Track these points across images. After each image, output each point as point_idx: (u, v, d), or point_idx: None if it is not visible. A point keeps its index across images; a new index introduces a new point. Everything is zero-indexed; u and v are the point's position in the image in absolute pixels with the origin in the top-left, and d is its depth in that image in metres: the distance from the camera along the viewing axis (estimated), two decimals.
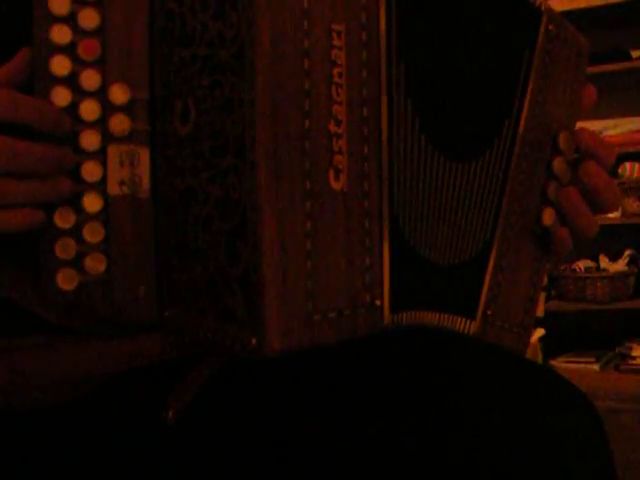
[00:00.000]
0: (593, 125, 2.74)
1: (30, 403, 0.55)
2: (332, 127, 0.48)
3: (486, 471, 0.50)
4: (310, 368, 0.56)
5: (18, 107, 0.48)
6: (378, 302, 0.51)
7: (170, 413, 0.56)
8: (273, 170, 0.45)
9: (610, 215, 2.67)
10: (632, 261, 2.72)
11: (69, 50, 0.50)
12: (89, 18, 0.51)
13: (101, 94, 0.51)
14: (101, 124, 0.51)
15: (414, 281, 0.54)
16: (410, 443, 0.51)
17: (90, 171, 0.51)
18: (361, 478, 0.51)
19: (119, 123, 0.51)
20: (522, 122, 0.61)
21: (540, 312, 2.43)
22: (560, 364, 2.59)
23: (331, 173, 0.48)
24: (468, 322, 0.59)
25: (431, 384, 0.54)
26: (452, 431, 0.51)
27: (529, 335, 0.66)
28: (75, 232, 0.51)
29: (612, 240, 2.72)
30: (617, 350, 2.66)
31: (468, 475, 0.49)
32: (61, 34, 0.50)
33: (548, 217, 0.63)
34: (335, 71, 0.48)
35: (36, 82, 0.50)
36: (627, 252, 2.75)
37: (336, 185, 0.48)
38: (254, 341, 0.45)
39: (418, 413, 0.52)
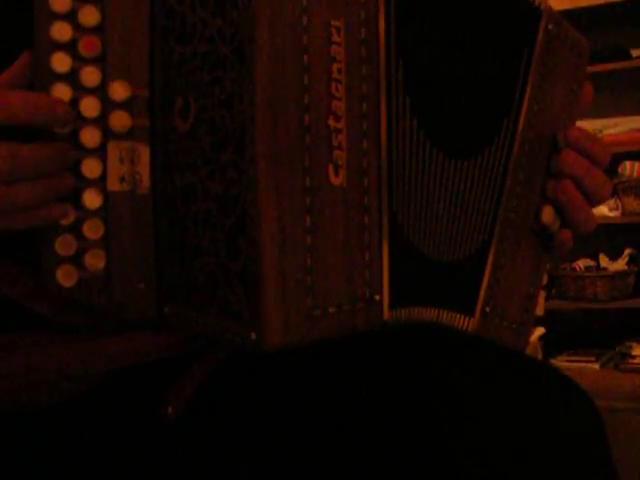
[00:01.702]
0: (593, 124, 2.74)
1: (29, 401, 0.55)
2: (331, 122, 0.48)
3: (486, 466, 0.50)
4: (310, 363, 0.56)
5: (26, 105, 0.47)
6: (377, 297, 0.51)
7: (170, 409, 0.56)
8: (272, 165, 0.45)
9: (610, 214, 2.68)
10: (632, 260, 2.72)
11: (69, 47, 0.50)
12: (89, 15, 0.51)
13: (101, 91, 0.51)
14: (101, 121, 0.51)
15: (413, 277, 0.54)
16: (410, 439, 0.51)
17: (90, 167, 0.51)
18: (361, 474, 0.51)
19: (119, 120, 0.51)
20: (521, 120, 0.61)
21: (540, 311, 2.44)
22: (560, 363, 2.59)
23: (330, 168, 0.48)
24: (467, 319, 0.60)
25: (431, 380, 0.54)
26: (452, 426, 0.51)
27: (528, 333, 0.66)
28: (75, 228, 0.51)
29: (612, 239, 2.72)
30: (617, 349, 2.66)
31: (468, 471, 0.50)
32: (62, 31, 0.50)
33: (547, 215, 0.63)
34: (334, 67, 0.48)
35: (36, 79, 0.50)
36: (627, 251, 2.75)
37: (335, 180, 0.48)
38: (254, 336, 0.45)
39: (418, 409, 0.52)
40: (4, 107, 0.47)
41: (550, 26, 0.62)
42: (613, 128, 2.77)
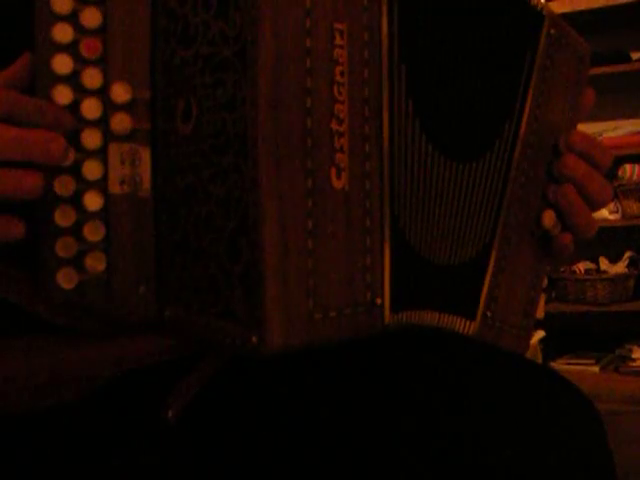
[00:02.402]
0: (593, 127, 2.74)
1: (30, 404, 0.55)
2: (334, 125, 0.48)
3: (486, 470, 0.50)
4: (310, 367, 0.56)
5: (17, 106, 0.48)
6: (379, 301, 0.51)
7: (170, 413, 0.56)
8: (274, 168, 0.45)
9: (610, 217, 2.68)
10: (632, 263, 2.72)
11: (71, 49, 0.50)
12: (91, 17, 0.51)
13: (103, 93, 0.51)
14: (102, 123, 0.51)
15: (414, 281, 0.54)
16: (410, 442, 0.51)
17: (91, 169, 0.51)
18: (361, 476, 0.51)
19: (120, 122, 0.51)
20: (523, 124, 0.61)
21: (540, 314, 2.44)
22: (560, 366, 2.59)
23: (333, 171, 0.48)
24: (468, 322, 0.60)
25: (431, 384, 0.54)
26: (452, 429, 0.51)
27: (529, 337, 0.66)
28: (76, 231, 0.51)
29: (612, 242, 2.72)
30: (617, 352, 2.67)
31: (469, 474, 0.49)
32: (63, 33, 0.50)
33: (548, 219, 0.63)
34: (337, 70, 0.48)
35: (38, 80, 0.50)
36: (627, 254, 2.75)
37: (338, 184, 0.48)
38: (255, 339, 0.45)
39: (418, 413, 0.52)
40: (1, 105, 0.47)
41: (552, 30, 0.62)
42: (613, 131, 2.78)
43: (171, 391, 0.56)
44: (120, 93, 0.51)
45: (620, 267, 2.71)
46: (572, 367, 2.59)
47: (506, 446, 0.51)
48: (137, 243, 0.52)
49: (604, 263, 2.76)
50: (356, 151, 0.49)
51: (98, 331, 0.54)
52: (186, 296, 0.51)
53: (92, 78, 0.51)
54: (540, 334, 2.46)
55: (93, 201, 0.51)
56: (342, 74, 0.48)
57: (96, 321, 0.54)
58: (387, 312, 0.51)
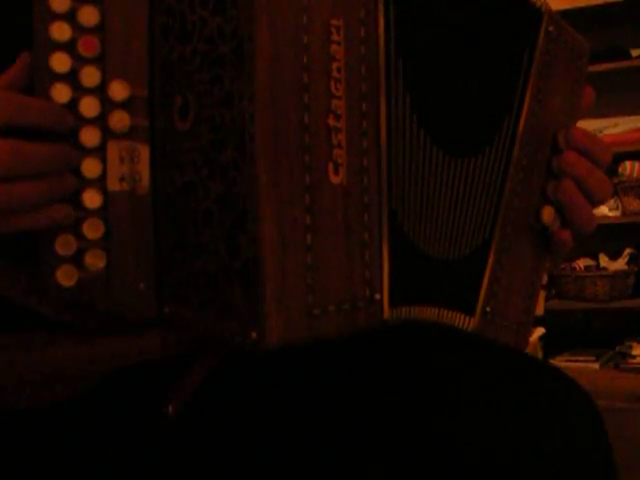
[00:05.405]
0: (593, 124, 2.74)
1: (30, 401, 0.55)
2: (331, 121, 0.48)
3: (486, 465, 0.50)
4: (310, 362, 0.56)
5: (20, 109, 0.48)
6: (378, 296, 0.51)
7: (171, 408, 0.56)
8: (273, 164, 0.45)
9: (610, 214, 2.68)
10: (632, 260, 2.72)
11: (69, 47, 0.50)
12: (89, 15, 0.51)
13: (101, 91, 0.51)
14: (101, 120, 0.51)
15: (413, 276, 0.54)
16: (409, 437, 0.51)
17: (90, 167, 0.51)
18: (360, 472, 0.51)
19: (119, 119, 0.51)
20: (522, 120, 0.61)
21: (540, 311, 2.44)
22: (560, 363, 2.59)
23: (330, 167, 0.48)
24: (467, 318, 0.60)
25: (431, 379, 0.54)
26: (452, 426, 0.51)
27: (528, 333, 0.66)
28: (75, 228, 0.51)
29: (612, 239, 2.72)
30: (617, 349, 2.67)
31: (468, 469, 0.50)
32: (61, 31, 0.50)
33: (547, 215, 0.63)
34: (334, 66, 0.48)
35: (36, 79, 0.50)
36: (627, 251, 2.75)
37: (335, 179, 0.48)
38: (254, 334, 0.45)
39: (418, 408, 0.52)
40: (4, 109, 0.47)
41: (551, 28, 0.62)
42: (613, 128, 2.78)
43: (171, 387, 0.57)
44: (118, 91, 0.51)
45: (620, 264, 2.71)
46: (572, 364, 2.60)
47: (506, 442, 0.51)
48: (136, 240, 0.53)
49: (604, 260, 2.76)
50: (354, 146, 0.49)
51: (98, 328, 0.55)
52: (185, 293, 0.51)
53: (90, 76, 0.51)
54: (540, 331, 2.46)
55: (92, 199, 0.51)
56: (339, 70, 0.48)
57: (96, 318, 0.54)
58: (386, 307, 0.51)
